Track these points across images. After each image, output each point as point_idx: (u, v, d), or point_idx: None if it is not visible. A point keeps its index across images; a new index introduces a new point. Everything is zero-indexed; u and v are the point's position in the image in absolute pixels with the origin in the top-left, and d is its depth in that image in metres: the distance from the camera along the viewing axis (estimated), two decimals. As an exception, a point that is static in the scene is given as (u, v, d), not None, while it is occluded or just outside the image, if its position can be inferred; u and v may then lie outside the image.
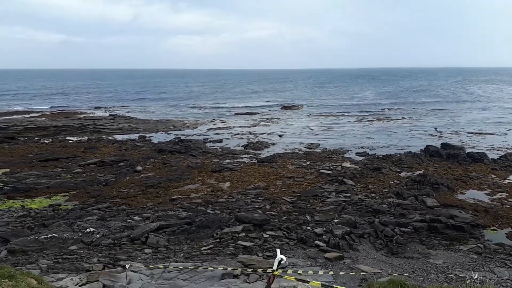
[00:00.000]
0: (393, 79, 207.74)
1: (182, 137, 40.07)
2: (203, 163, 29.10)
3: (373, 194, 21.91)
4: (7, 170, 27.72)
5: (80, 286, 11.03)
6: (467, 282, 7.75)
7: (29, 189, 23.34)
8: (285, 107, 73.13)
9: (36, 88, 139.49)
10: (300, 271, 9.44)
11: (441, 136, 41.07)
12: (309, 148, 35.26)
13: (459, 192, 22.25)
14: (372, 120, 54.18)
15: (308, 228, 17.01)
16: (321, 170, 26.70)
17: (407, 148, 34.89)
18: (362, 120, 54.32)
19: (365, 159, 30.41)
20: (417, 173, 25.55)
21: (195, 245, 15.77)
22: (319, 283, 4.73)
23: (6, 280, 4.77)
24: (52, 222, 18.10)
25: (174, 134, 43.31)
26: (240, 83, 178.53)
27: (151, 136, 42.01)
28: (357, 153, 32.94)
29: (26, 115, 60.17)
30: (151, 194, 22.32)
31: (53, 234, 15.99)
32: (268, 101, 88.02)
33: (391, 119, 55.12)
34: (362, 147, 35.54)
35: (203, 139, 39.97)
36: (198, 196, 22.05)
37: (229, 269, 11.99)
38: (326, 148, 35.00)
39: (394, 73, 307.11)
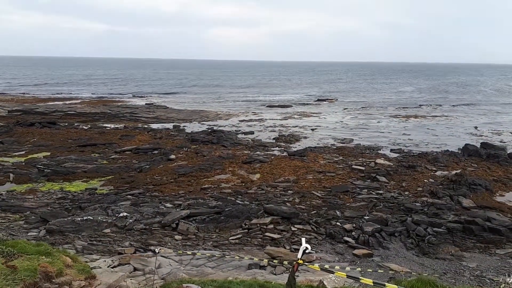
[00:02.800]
0: (434, 74, 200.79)
1: (215, 128, 40.50)
2: (234, 154, 29.32)
3: (406, 192, 21.39)
4: (48, 153, 29.02)
5: (112, 268, 11.44)
6: (502, 286, 7.44)
7: (67, 172, 24.34)
8: (320, 100, 72.32)
9: (79, 76, 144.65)
10: (326, 266, 9.37)
11: (481, 135, 39.41)
12: (342, 143, 34.77)
13: (498, 194, 21.34)
14: (409, 116, 52.68)
15: (338, 223, 16.86)
16: (353, 166, 26.29)
17: (444, 146, 33.73)
18: (399, 116, 52.91)
19: (399, 156, 29.67)
20: (454, 172, 24.67)
21: (224, 234, 15.98)
22: (344, 274, 4.67)
23: (43, 257, 5.02)
24: (88, 205, 18.84)
25: (207, 125, 43.83)
26: (276, 75, 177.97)
27: (185, 126, 42.70)
28: (391, 150, 32.18)
29: (67, 102, 62.61)
30: (182, 182, 22.75)
31: (88, 217, 16.65)
32: (302, 94, 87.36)
33: (429, 116, 53.39)
34: (397, 144, 34.68)
35: (235, 130, 40.22)
36: (228, 186, 22.27)
37: (256, 259, 12.08)
38: (359, 144, 34.40)
39: (436, 68, 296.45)
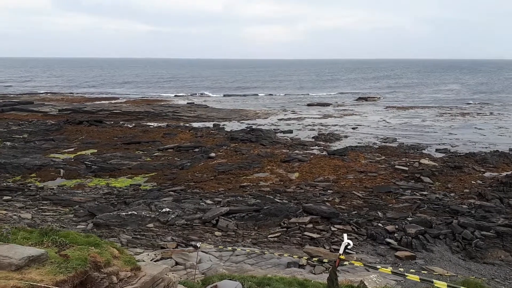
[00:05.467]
0: (484, 70, 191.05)
1: (254, 127, 40.73)
2: (272, 152, 29.35)
3: (452, 194, 20.56)
4: (95, 150, 30.35)
5: (155, 261, 11.80)
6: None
7: (113, 169, 25.34)
8: (361, 99, 70.85)
9: (125, 75, 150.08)
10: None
11: (536, 135, 37.14)
12: (384, 142, 33.91)
13: (554, 198, 20.01)
14: (455, 115, 50.51)
15: (379, 224, 16.49)
16: (396, 166, 25.58)
17: (493, 146, 32.07)
18: (445, 115, 50.86)
19: (445, 156, 28.55)
20: (504, 174, 23.39)
21: (263, 232, 16.06)
22: (389, 270, 4.56)
23: (93, 248, 5.27)
24: (132, 200, 19.54)
25: (246, 124, 44.13)
26: (315, 73, 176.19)
27: (224, 125, 43.23)
28: (437, 150, 31.02)
29: (113, 101, 65.14)
30: (222, 180, 23.07)
31: (133, 212, 17.27)
32: (343, 92, 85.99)
33: (477, 114, 50.95)
34: (443, 144, 33.36)
35: (274, 129, 40.23)
36: (267, 184, 22.34)
37: (295, 257, 12.05)
38: (403, 143, 33.41)
39: (487, 64, 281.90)
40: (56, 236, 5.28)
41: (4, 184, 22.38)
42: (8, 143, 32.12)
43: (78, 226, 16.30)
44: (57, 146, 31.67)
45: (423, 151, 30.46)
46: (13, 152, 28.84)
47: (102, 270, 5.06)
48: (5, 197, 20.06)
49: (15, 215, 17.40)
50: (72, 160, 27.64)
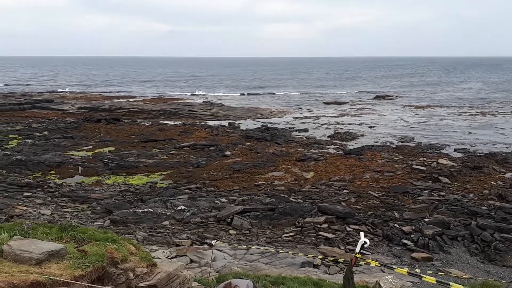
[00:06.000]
0: (505, 68, 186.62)
1: (269, 125, 40.69)
2: (287, 151, 29.29)
3: (471, 195, 20.17)
4: (113, 148, 30.80)
5: (170, 258, 11.93)
6: None
7: (130, 166, 25.69)
8: (378, 97, 70.04)
9: (143, 74, 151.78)
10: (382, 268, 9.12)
11: (560, 135, 36.12)
12: (402, 142, 33.48)
13: None
14: (475, 114, 49.51)
15: (396, 225, 16.31)
16: (414, 166, 25.23)
17: (515, 146, 31.35)
18: (464, 114, 49.90)
19: (464, 156, 28.02)
20: (526, 175, 22.87)
21: (277, 231, 16.06)
22: (405, 271, 4.52)
23: (110, 244, 5.37)
24: (148, 198, 19.78)
25: (261, 122, 44.14)
26: (330, 71, 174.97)
27: (239, 123, 43.33)
28: (455, 149, 30.47)
29: (130, 99, 65.97)
30: (237, 178, 23.15)
31: (149, 209, 17.49)
32: (359, 90, 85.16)
33: (498, 113, 49.82)
34: (462, 143, 32.74)
35: (289, 127, 40.12)
36: (282, 183, 22.31)
37: (310, 256, 12.02)
38: (421, 143, 32.93)
39: (507, 62, 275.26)
40: (75, 231, 5.41)
41: (25, 180, 22.93)
42: (29, 141, 32.87)
43: (95, 223, 16.59)
44: (76, 144, 32.26)
45: (442, 151, 29.95)
46: (34, 150, 29.51)
47: (119, 266, 5.15)
48: (25, 193, 20.56)
49: (35, 211, 17.82)
50: (90, 157, 28.13)
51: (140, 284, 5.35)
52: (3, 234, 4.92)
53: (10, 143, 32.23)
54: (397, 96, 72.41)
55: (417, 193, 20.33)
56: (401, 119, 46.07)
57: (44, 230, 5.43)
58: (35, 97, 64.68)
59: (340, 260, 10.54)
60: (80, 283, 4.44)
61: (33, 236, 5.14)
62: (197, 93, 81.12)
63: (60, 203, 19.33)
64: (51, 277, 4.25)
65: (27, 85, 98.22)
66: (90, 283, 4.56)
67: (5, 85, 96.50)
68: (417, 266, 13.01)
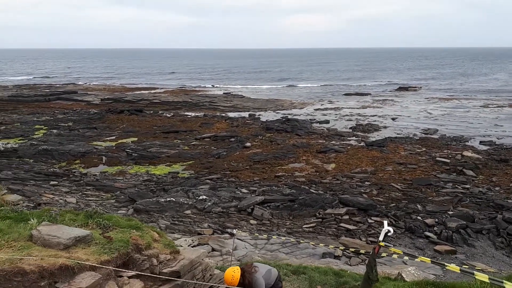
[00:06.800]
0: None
1: (289, 117, 40.50)
2: (308, 143, 29.14)
3: (497, 188, 19.65)
4: (136, 139, 31.30)
5: (192, 247, 12.10)
6: None
7: (153, 157, 26.07)
8: (401, 88, 68.67)
9: (165, 66, 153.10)
10: (406, 258, 9.01)
11: None
12: (425, 134, 32.82)
13: None
14: (502, 106, 47.97)
15: (418, 218, 16.06)
16: (437, 158, 24.73)
17: (544, 139, 30.32)
18: (490, 106, 48.45)
19: (490, 149, 27.28)
20: (556, 168, 22.11)
21: (297, 222, 16.05)
22: (429, 260, 4.44)
23: (134, 231, 5.49)
24: (171, 187, 20.06)
25: (282, 113, 43.94)
26: (353, 62, 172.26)
27: (260, 115, 43.27)
28: (481, 142, 29.68)
29: (152, 91, 66.70)
30: (257, 169, 23.19)
31: (171, 199, 17.74)
32: (382, 82, 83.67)
33: (527, 106, 48.19)
34: (488, 135, 31.86)
35: (310, 119, 39.83)
36: (302, 175, 22.24)
37: (331, 247, 11.98)
38: (445, 135, 32.21)
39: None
40: (100, 218, 5.54)
41: (51, 169, 23.57)
42: (55, 131, 33.74)
43: (119, 211, 16.94)
44: (100, 134, 32.92)
45: (466, 143, 29.24)
46: (59, 140, 30.27)
47: (143, 252, 5.25)
48: (52, 182, 21.16)
49: (61, 199, 18.34)
50: (114, 148, 28.66)
51: (164, 270, 5.44)
52: (32, 220, 5.08)
53: (36, 133, 33.16)
54: (420, 87, 70.84)
55: (441, 186, 19.94)
56: (425, 110, 45.11)
57: (71, 217, 5.59)
58: (60, 89, 66.19)
59: (362, 251, 10.46)
60: (106, 267, 4.55)
61: (60, 222, 5.29)
62: (217, 85, 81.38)
63: (85, 192, 19.82)
64: (78, 261, 4.37)
65: (53, 77, 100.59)
66: (115, 268, 4.68)
67: (33, 77, 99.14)
68: (440, 258, 12.80)
